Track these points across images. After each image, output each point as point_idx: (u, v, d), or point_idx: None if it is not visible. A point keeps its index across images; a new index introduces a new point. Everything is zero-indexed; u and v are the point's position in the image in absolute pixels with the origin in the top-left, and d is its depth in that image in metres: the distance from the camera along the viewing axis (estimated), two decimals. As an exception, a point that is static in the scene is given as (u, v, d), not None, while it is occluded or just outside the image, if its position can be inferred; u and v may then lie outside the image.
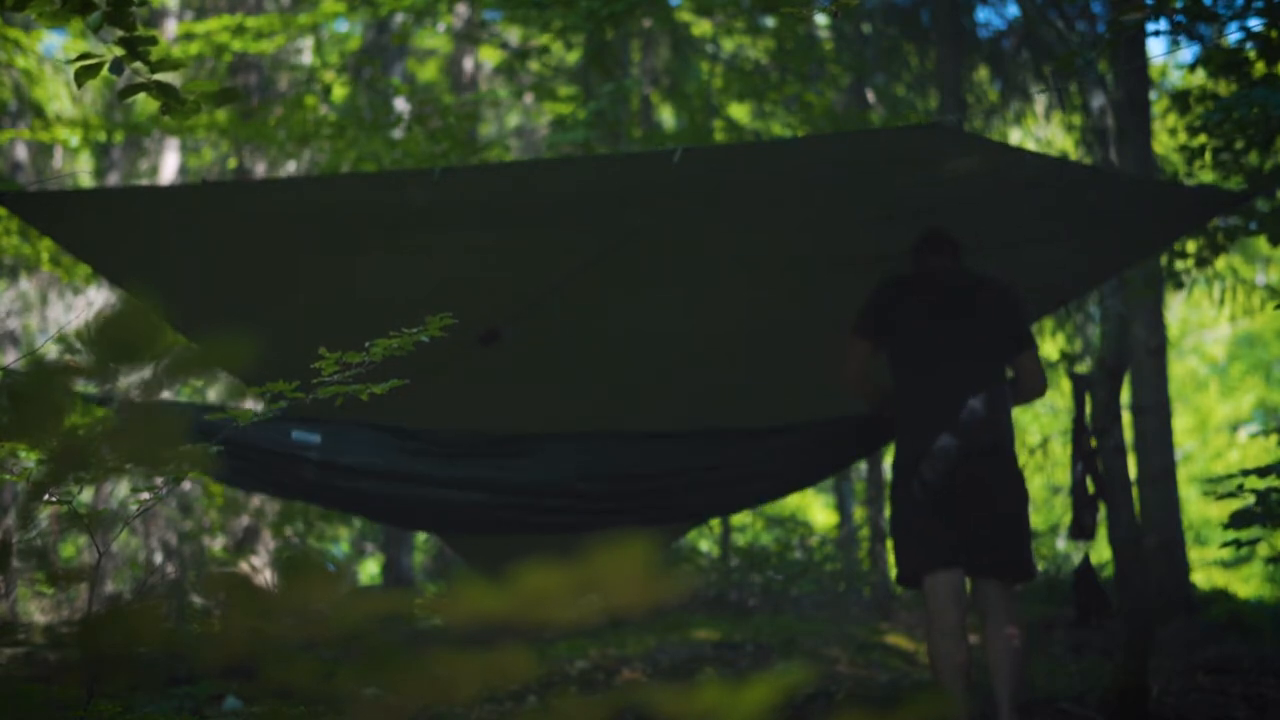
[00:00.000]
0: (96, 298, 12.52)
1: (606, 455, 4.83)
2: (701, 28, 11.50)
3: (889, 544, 5.45)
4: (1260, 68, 5.49)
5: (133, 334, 1.13)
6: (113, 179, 13.06)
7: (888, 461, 12.51)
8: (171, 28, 11.78)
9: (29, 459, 2.51)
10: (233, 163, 13.48)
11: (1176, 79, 14.51)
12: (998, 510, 4.19)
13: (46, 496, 2.16)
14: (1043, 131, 11.54)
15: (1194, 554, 14.26)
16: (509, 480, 4.68)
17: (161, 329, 1.15)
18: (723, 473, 4.89)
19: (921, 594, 4.22)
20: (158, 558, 11.89)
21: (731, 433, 4.92)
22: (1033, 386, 4.37)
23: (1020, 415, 16.69)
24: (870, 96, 10.83)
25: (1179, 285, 7.14)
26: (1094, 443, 4.78)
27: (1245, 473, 4.29)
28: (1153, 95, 9.28)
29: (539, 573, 0.81)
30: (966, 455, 4.15)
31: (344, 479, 4.51)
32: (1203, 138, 6.41)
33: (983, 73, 10.56)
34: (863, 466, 11.82)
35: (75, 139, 9.95)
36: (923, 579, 4.16)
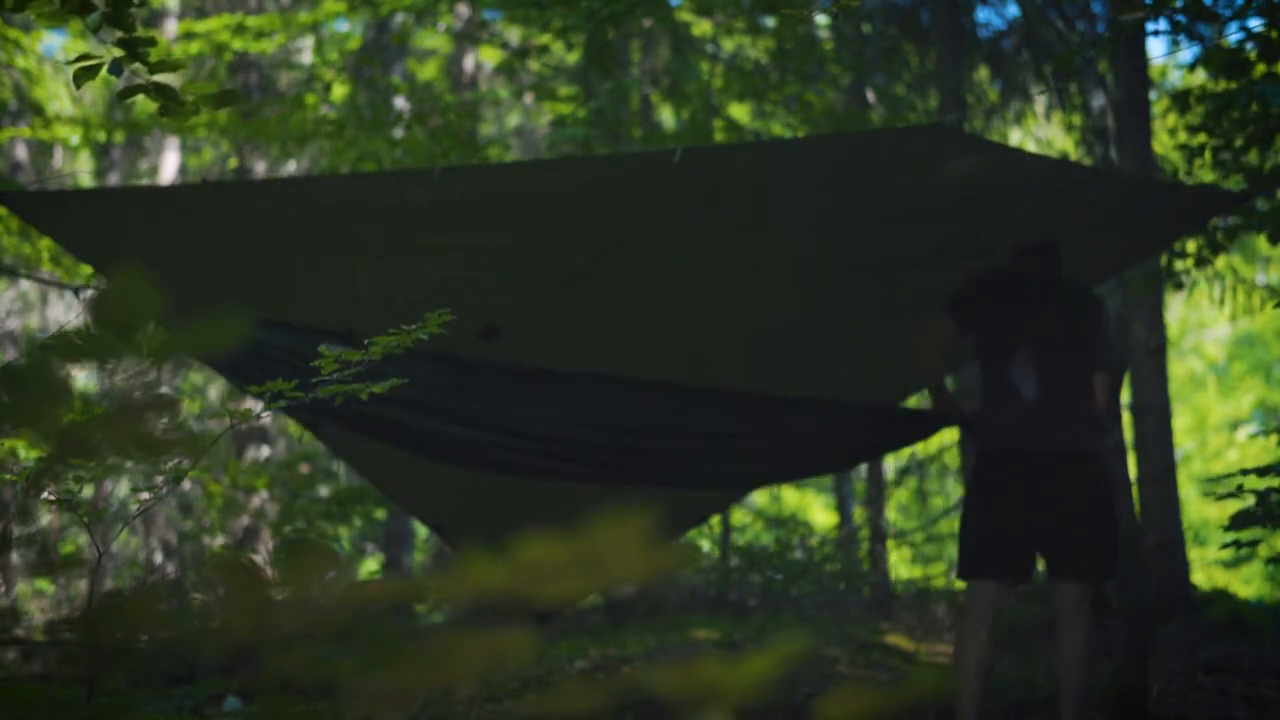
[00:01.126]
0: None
1: (638, 404, 4.81)
2: (701, 28, 11.50)
3: (890, 543, 5.48)
4: (1261, 68, 5.49)
5: (128, 310, 1.13)
6: (113, 179, 13.06)
7: (888, 463, 12.55)
8: (171, 28, 11.78)
9: (28, 458, 2.52)
10: (233, 163, 13.48)
11: (1176, 79, 14.51)
12: (1077, 512, 4.14)
13: (45, 492, 2.16)
14: (1043, 131, 11.54)
15: (1194, 554, 14.25)
16: (537, 417, 4.65)
17: (156, 305, 1.15)
18: (745, 443, 4.92)
19: (967, 590, 4.23)
20: (158, 557, 11.89)
21: (750, 399, 4.94)
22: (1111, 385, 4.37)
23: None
24: (870, 96, 10.84)
25: (1179, 285, 7.14)
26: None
27: (1245, 472, 4.29)
28: (1153, 95, 9.28)
29: (538, 544, 0.81)
30: (1048, 456, 4.15)
31: (374, 404, 4.44)
32: (1202, 136, 6.41)
33: (983, 73, 10.56)
34: (863, 466, 11.83)
35: (75, 138, 9.96)
36: (970, 580, 4.17)
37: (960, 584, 4.60)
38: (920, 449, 11.81)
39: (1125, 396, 5.41)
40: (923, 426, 5.26)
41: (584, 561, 0.76)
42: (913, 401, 7.72)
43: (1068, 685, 4.05)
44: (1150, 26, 5.67)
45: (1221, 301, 9.53)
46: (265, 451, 12.52)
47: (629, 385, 4.87)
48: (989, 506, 4.19)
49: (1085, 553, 4.14)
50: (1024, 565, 4.19)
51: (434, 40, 14.11)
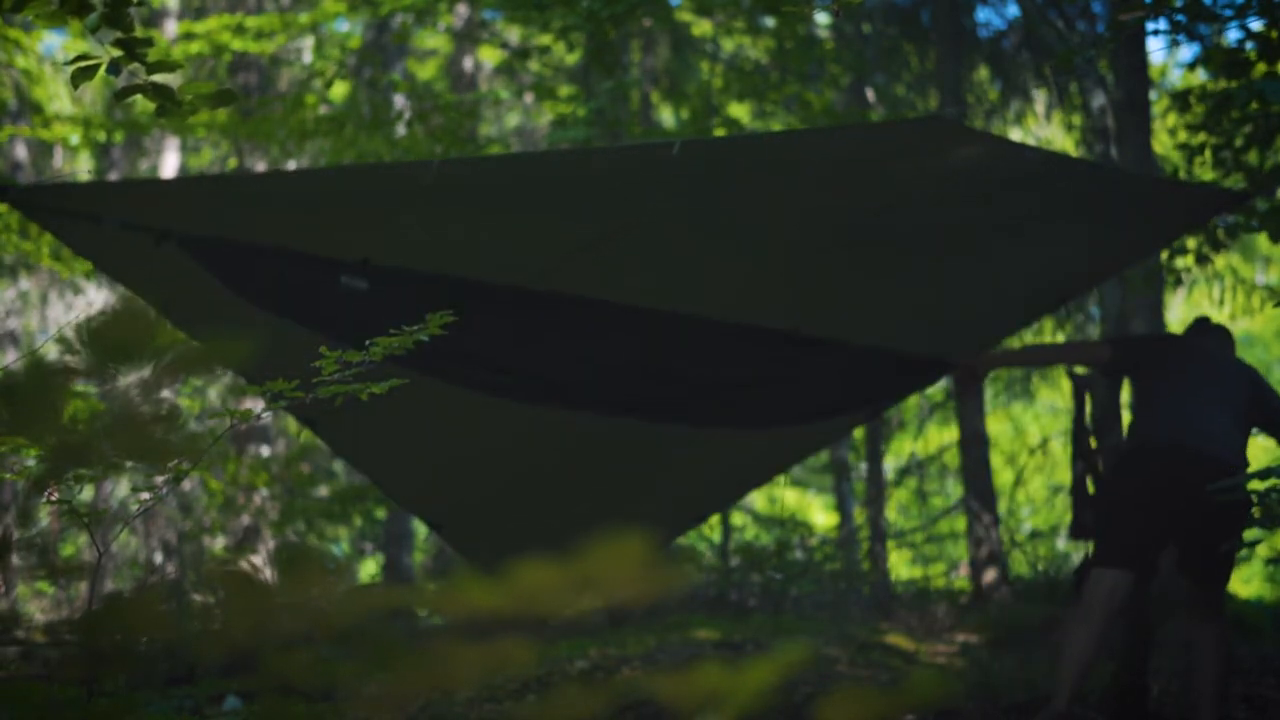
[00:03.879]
0: (96, 298, 12.52)
1: (672, 339, 4.83)
2: (701, 28, 11.51)
3: (890, 543, 5.56)
4: (1261, 67, 5.49)
5: (129, 335, 1.13)
6: (113, 179, 13.06)
7: (888, 463, 12.55)
8: (171, 28, 11.78)
9: (28, 456, 2.51)
10: (233, 163, 13.49)
11: (1176, 78, 14.52)
12: (1216, 522, 4.25)
13: (46, 494, 2.16)
14: (1043, 131, 11.54)
15: (1194, 554, 14.24)
16: (559, 350, 4.65)
17: (157, 329, 1.15)
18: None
19: (1093, 580, 4.30)
20: (158, 558, 11.89)
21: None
22: None
23: (1021, 415, 16.69)
24: (870, 96, 10.84)
25: (1178, 282, 7.14)
26: (1094, 443, 4.78)
27: (1245, 476, 4.28)
28: (1153, 95, 9.28)
29: (537, 568, 0.81)
30: (1200, 458, 4.29)
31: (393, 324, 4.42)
32: (1202, 136, 6.41)
33: (983, 73, 10.57)
34: (862, 466, 11.83)
35: (75, 137, 9.96)
36: (1096, 568, 4.28)
37: (961, 582, 4.64)
38: (920, 449, 11.81)
39: (1125, 396, 5.42)
40: (930, 373, 5.35)
41: (581, 583, 0.76)
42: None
43: (1202, 684, 4.26)
44: (1150, 26, 5.67)
45: (1221, 301, 9.53)
46: (265, 450, 12.52)
47: (651, 316, 4.83)
48: (1133, 501, 4.32)
49: (1214, 560, 4.30)
50: (1147, 562, 4.33)
51: (434, 40, 14.10)
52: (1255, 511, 3.88)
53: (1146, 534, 4.28)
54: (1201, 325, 4.81)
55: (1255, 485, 4.21)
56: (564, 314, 4.68)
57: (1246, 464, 4.42)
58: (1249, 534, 4.29)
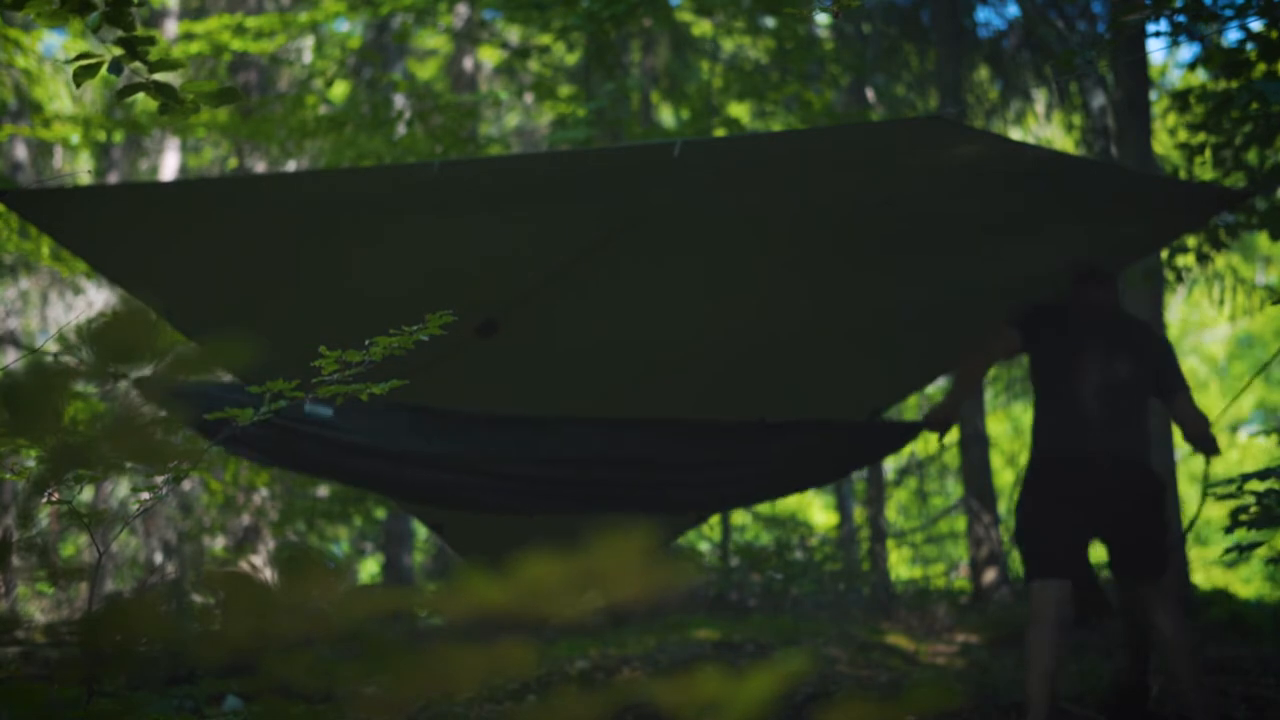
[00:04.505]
0: (96, 298, 12.52)
1: (621, 439, 4.86)
2: (701, 28, 11.50)
3: (890, 543, 5.54)
4: (1261, 67, 5.49)
5: (130, 338, 1.13)
6: (113, 179, 13.05)
7: (888, 463, 12.55)
8: (171, 28, 11.78)
9: (28, 457, 2.51)
10: (233, 163, 13.48)
11: (1176, 79, 14.51)
12: (1135, 517, 4.31)
13: (46, 495, 2.16)
14: (1043, 131, 11.54)
15: (1194, 554, 14.26)
16: (518, 459, 4.70)
17: (158, 332, 1.15)
18: (731, 469, 4.95)
19: (1036, 596, 4.29)
20: (158, 558, 11.89)
21: (742, 427, 4.98)
22: (1197, 426, 4.45)
23: (1021, 415, 16.68)
24: (870, 96, 10.84)
25: (1179, 281, 7.13)
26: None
27: (1245, 477, 4.28)
28: (1153, 95, 9.28)
29: (539, 564, 0.81)
30: (1106, 464, 4.28)
31: (349, 456, 4.49)
32: (1203, 135, 6.41)
33: (983, 73, 10.56)
34: (863, 466, 11.81)
35: (75, 136, 9.95)
36: (1033, 581, 4.27)
37: (961, 582, 4.64)
38: (920, 449, 11.81)
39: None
40: (904, 435, 5.34)
41: (583, 580, 0.76)
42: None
43: (1182, 675, 4.21)
44: (1150, 27, 5.67)
45: (1221, 301, 9.53)
46: (265, 451, 12.50)
47: (600, 425, 4.92)
48: (1054, 511, 4.32)
49: (1147, 553, 4.31)
50: (1079, 567, 4.31)
51: (434, 40, 14.10)
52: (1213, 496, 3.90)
53: (1072, 542, 4.28)
54: (1090, 276, 4.56)
55: (1255, 486, 4.21)
56: (522, 425, 4.79)
57: (1147, 440, 4.41)
58: (1249, 535, 4.28)
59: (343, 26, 13.15)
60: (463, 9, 11.62)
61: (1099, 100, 8.85)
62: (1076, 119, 9.66)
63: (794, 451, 5.00)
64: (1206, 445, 4.43)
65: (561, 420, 4.85)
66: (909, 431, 5.26)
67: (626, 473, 4.84)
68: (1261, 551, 4.49)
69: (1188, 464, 18.59)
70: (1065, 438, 4.36)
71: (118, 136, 10.99)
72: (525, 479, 4.72)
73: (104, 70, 2.91)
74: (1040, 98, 10.66)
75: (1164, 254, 6.83)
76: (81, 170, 11.91)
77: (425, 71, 14.41)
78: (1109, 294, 4.56)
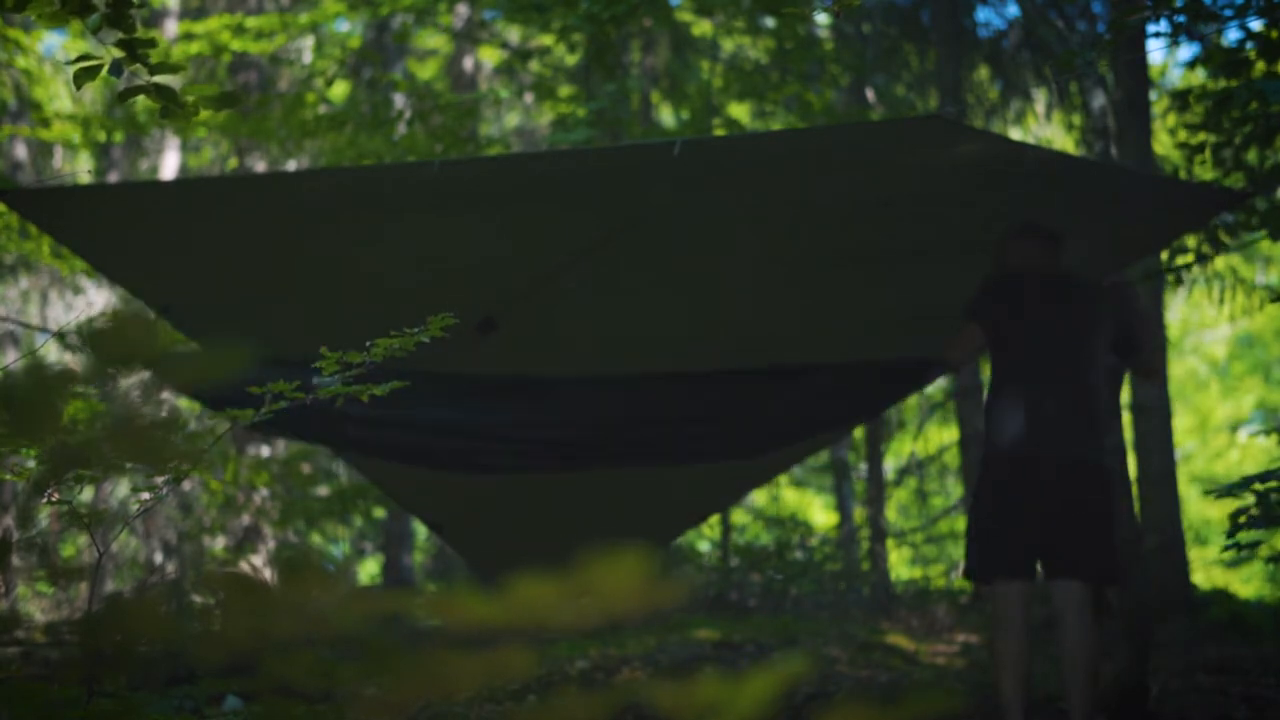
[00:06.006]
0: (97, 298, 12.52)
1: (634, 397, 4.94)
2: (701, 28, 11.50)
3: (890, 543, 5.52)
4: (1260, 66, 5.49)
5: (129, 341, 1.13)
6: (113, 179, 13.05)
7: (888, 462, 12.54)
8: (171, 28, 11.78)
9: (28, 457, 2.51)
10: (233, 163, 13.48)
11: (1176, 79, 14.51)
12: (1076, 515, 4.17)
13: (46, 495, 2.16)
14: (1043, 131, 11.54)
15: (1194, 554, 14.26)
16: (541, 423, 4.83)
17: (157, 334, 1.15)
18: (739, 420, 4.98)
19: (990, 597, 4.24)
20: (158, 557, 11.89)
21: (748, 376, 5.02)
22: (1149, 379, 4.36)
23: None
24: (870, 96, 10.84)
25: (1178, 280, 7.13)
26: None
27: (1246, 479, 4.28)
28: (1153, 95, 9.28)
29: (536, 583, 0.81)
30: (1051, 462, 4.17)
31: (368, 429, 4.64)
32: (1203, 135, 6.40)
33: (983, 73, 10.56)
34: (862, 466, 11.82)
35: (75, 137, 9.96)
36: (992, 583, 4.20)
37: (962, 582, 4.61)
38: (920, 449, 11.81)
39: (1125, 396, 5.41)
40: (920, 372, 5.28)
41: (579, 598, 0.76)
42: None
43: (1074, 684, 4.05)
44: (1150, 27, 5.67)
45: (1221, 301, 9.52)
46: (265, 450, 12.52)
47: (616, 384, 4.97)
48: (996, 508, 4.22)
49: (1084, 554, 4.16)
50: (1032, 566, 4.21)
51: (434, 40, 14.10)
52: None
53: (1023, 540, 4.16)
54: (1024, 231, 4.39)
55: (1255, 487, 4.21)
56: (542, 391, 4.88)
57: (1103, 429, 4.27)
58: (1249, 535, 4.27)
59: (343, 26, 13.15)
60: (463, 9, 11.62)
61: (1099, 100, 8.85)
62: (1076, 119, 9.66)
63: (805, 395, 5.03)
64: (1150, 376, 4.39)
65: (579, 380, 4.92)
66: (924, 368, 5.17)
67: (647, 429, 4.94)
68: (1262, 550, 4.48)
69: (1187, 464, 18.60)
70: (1006, 437, 4.22)
71: (118, 136, 10.98)
72: (547, 441, 4.85)
73: (104, 72, 2.90)
74: (1040, 98, 10.66)
75: (1164, 255, 6.82)
76: (81, 170, 11.90)
77: (425, 71, 14.40)
78: (1049, 253, 4.37)
